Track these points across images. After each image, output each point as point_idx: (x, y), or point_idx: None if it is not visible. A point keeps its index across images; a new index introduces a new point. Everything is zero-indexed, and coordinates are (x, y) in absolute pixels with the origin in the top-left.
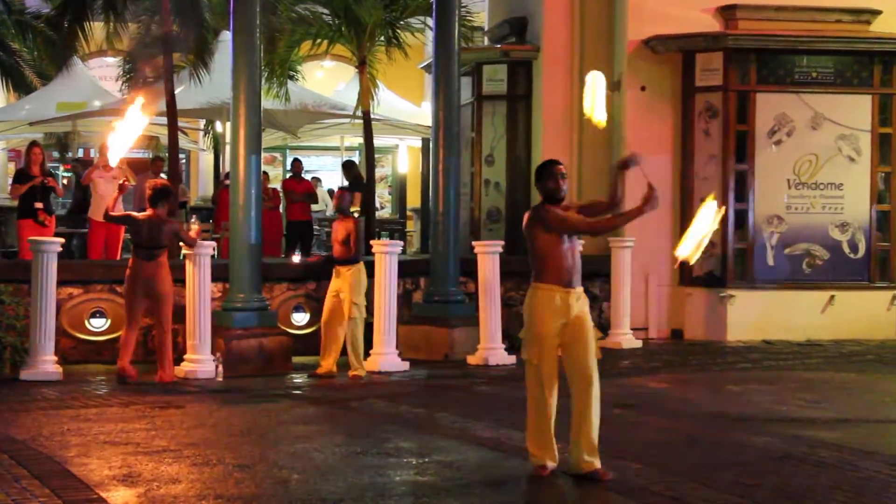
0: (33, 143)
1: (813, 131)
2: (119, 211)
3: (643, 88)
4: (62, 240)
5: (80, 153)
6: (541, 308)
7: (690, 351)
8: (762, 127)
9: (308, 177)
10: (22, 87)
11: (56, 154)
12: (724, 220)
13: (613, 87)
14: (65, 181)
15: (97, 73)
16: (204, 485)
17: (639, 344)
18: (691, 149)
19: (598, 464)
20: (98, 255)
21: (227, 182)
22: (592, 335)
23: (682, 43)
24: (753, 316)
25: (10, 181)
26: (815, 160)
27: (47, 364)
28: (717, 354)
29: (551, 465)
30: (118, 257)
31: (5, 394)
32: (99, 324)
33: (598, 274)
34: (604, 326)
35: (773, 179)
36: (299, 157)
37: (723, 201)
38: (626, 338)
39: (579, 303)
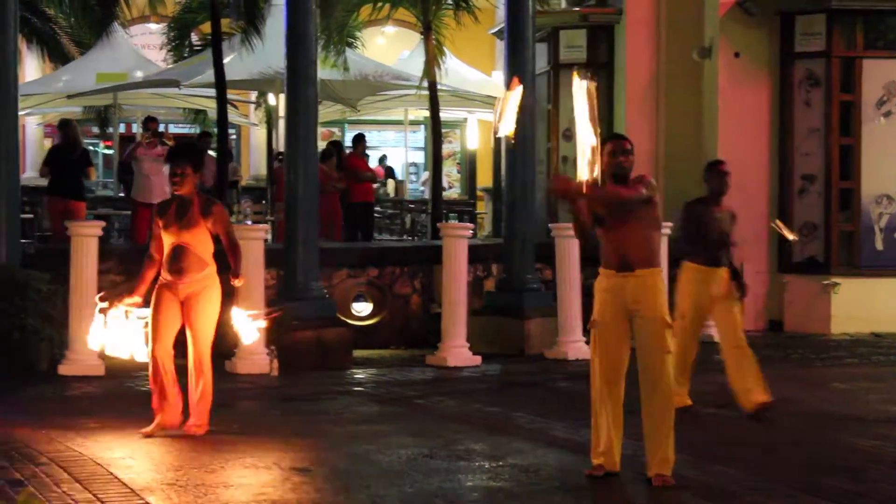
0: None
1: None
2: None
3: (737, 55)
4: (103, 223)
5: (122, 128)
6: (595, 294)
7: (790, 344)
8: (870, 97)
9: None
10: (58, 57)
11: (95, 129)
12: (827, 201)
13: (704, 53)
14: None
15: (139, 41)
16: (258, 490)
17: None
18: (790, 121)
19: (663, 470)
20: (143, 240)
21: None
22: (658, 326)
23: (781, 4)
24: (860, 306)
25: (43, 158)
26: None
27: (88, 358)
28: (820, 348)
29: (606, 469)
30: None
31: (43, 390)
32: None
33: None
34: None
35: (881, 155)
36: (363, 133)
37: (825, 179)
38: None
39: (640, 289)
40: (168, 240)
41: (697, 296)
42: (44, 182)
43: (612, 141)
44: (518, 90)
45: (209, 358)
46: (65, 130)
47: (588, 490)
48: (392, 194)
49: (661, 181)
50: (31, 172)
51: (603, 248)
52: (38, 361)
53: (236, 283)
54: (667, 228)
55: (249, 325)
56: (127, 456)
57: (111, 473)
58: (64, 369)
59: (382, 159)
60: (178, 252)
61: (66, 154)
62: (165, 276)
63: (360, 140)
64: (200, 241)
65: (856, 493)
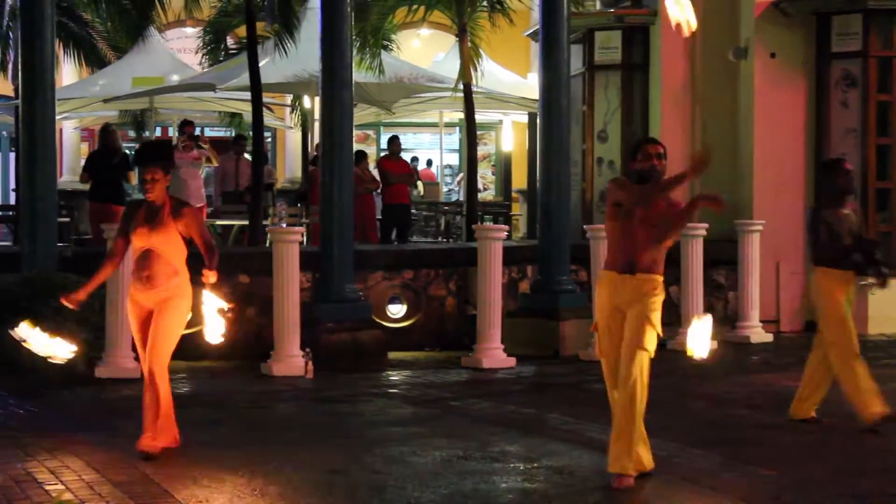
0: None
1: None
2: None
3: (773, 55)
4: None
5: (158, 132)
6: (596, 295)
7: None
8: None
9: (406, 156)
10: (95, 61)
11: (132, 133)
12: (864, 201)
13: (740, 54)
14: None
15: (175, 45)
16: (293, 491)
17: (769, 338)
18: (827, 122)
19: (615, 468)
20: None
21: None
22: (641, 323)
23: (817, 4)
24: None
25: (82, 162)
26: None
27: (124, 360)
28: None
29: (636, 469)
30: None
31: (80, 392)
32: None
33: (722, 261)
34: (730, 318)
35: None
36: (397, 135)
37: (862, 179)
38: (755, 331)
39: (636, 291)
40: (137, 244)
41: (843, 296)
42: (81, 186)
43: (645, 144)
44: (707, 319)
45: (165, 369)
46: (104, 136)
47: (622, 491)
48: (422, 193)
49: (696, 183)
50: (67, 176)
51: (610, 248)
52: (74, 364)
53: (209, 277)
54: (701, 230)
55: (216, 321)
56: (161, 457)
57: (145, 475)
58: (101, 372)
59: (415, 161)
60: (147, 257)
61: (106, 159)
62: (136, 284)
63: (391, 142)
64: (171, 245)
65: (893, 496)
